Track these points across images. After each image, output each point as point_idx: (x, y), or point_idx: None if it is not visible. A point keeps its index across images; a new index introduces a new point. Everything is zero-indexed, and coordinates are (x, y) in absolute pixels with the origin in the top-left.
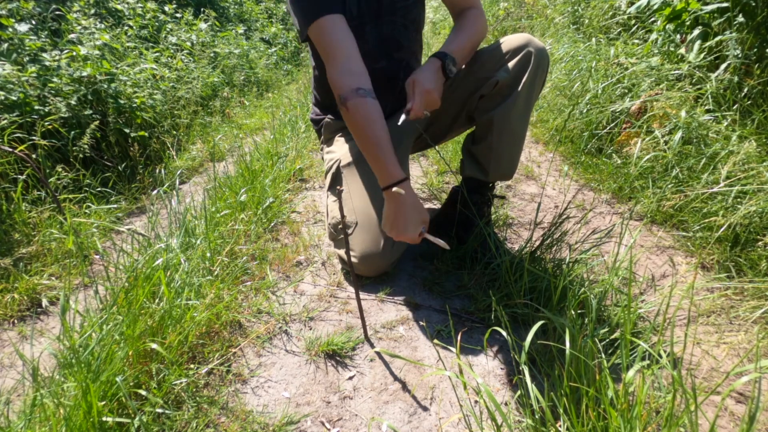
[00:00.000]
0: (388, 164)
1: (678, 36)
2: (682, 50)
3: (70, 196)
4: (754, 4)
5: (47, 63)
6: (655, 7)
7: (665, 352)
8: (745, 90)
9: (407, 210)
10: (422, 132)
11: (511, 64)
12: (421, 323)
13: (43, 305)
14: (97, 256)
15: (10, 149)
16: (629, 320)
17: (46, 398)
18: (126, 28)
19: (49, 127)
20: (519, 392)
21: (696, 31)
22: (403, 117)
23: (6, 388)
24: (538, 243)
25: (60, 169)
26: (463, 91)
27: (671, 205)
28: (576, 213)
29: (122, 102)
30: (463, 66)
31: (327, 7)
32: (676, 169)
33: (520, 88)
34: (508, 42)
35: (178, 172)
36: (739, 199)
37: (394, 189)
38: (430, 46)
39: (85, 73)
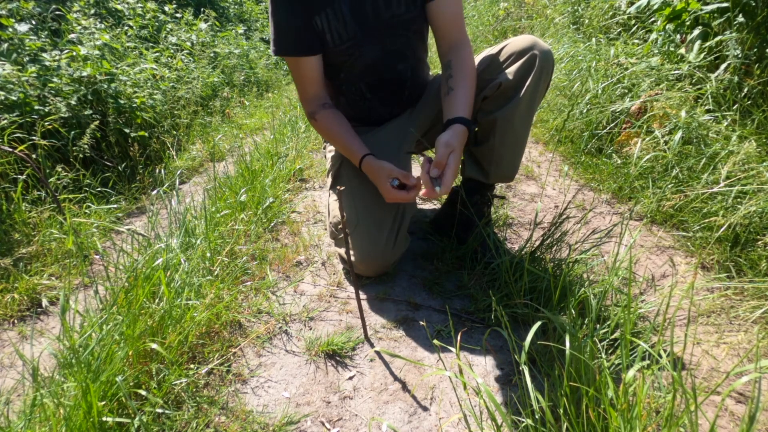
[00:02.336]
0: (353, 147)
1: (678, 36)
2: (682, 50)
3: (70, 196)
4: (754, 4)
5: (47, 63)
6: (655, 7)
7: (665, 352)
8: (745, 90)
9: (377, 178)
10: (419, 138)
11: (515, 67)
12: (421, 323)
13: (43, 305)
14: (97, 256)
15: (10, 149)
16: (629, 320)
17: (46, 398)
18: (126, 28)
19: (49, 127)
20: (519, 392)
21: (696, 31)
22: (438, 189)
23: (6, 388)
24: (538, 243)
25: (60, 169)
26: None
27: (671, 205)
28: (576, 213)
29: (122, 102)
30: None
31: (304, 51)
32: (676, 169)
33: (523, 91)
34: (513, 44)
35: (178, 172)
36: (739, 199)
37: (363, 165)
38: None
39: (85, 73)
